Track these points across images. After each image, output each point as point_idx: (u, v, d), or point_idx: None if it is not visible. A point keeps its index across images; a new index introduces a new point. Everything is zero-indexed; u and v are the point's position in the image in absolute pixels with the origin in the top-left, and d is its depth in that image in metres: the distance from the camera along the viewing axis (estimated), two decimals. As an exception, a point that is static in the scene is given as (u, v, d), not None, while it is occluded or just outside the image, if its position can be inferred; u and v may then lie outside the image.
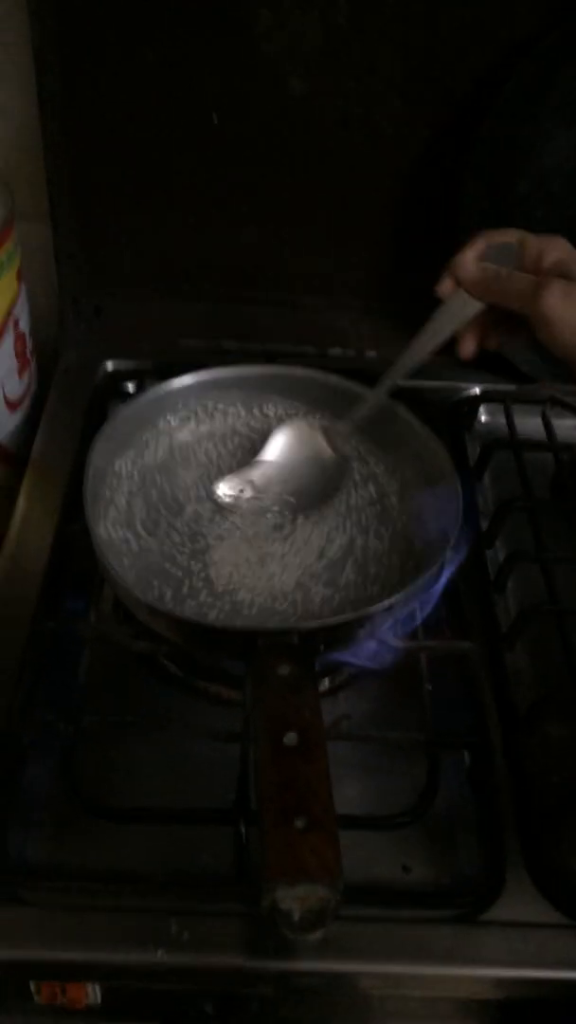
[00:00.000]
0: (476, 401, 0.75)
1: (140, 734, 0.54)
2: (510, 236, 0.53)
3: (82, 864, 0.49)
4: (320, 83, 0.69)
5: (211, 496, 0.60)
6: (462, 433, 0.74)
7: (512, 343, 0.56)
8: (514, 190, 0.70)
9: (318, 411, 0.66)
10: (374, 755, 0.55)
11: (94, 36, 0.67)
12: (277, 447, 0.62)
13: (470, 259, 0.53)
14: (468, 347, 0.56)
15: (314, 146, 0.72)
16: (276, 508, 0.60)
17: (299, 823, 0.37)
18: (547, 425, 0.72)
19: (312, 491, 0.61)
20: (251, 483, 0.61)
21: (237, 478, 0.61)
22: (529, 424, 0.73)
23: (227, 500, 0.60)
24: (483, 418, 0.77)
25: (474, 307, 0.54)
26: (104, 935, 0.46)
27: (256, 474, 0.61)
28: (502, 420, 0.73)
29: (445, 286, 0.54)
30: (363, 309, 0.81)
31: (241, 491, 0.60)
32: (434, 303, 0.77)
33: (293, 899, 0.35)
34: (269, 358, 0.74)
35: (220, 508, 0.60)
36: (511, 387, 0.76)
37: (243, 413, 0.67)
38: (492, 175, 0.70)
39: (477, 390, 0.77)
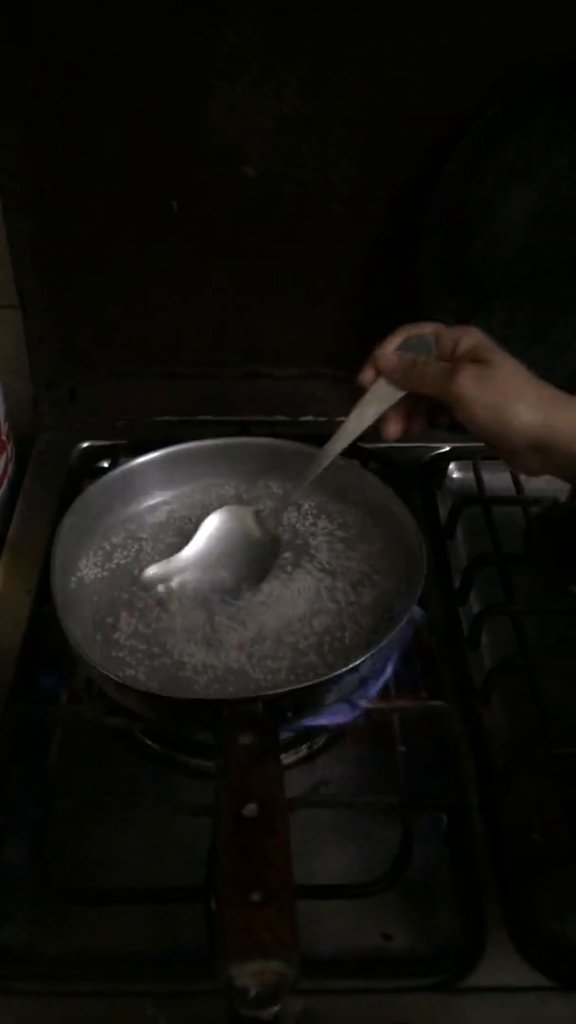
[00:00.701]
0: (446, 459, 0.76)
1: (115, 812, 0.54)
2: (427, 328, 0.56)
3: (57, 948, 0.49)
4: (275, 163, 0.71)
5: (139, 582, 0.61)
6: (433, 491, 0.75)
7: (436, 425, 0.58)
8: (470, 250, 0.72)
9: (276, 480, 0.67)
10: (354, 819, 0.55)
11: (57, 132, 0.70)
12: (206, 532, 0.62)
13: (390, 350, 0.56)
14: (392, 429, 0.58)
15: (274, 223, 0.74)
16: (210, 589, 0.60)
17: (255, 896, 0.37)
18: (515, 480, 0.72)
19: (243, 573, 0.61)
20: (180, 570, 0.61)
21: (165, 566, 0.61)
22: (499, 479, 0.73)
23: (157, 588, 0.60)
24: (454, 475, 0.77)
25: (395, 394, 0.56)
26: (80, 1022, 0.45)
27: (184, 560, 0.61)
28: (472, 476, 0.74)
29: (367, 375, 0.57)
30: (332, 376, 0.83)
31: (169, 580, 0.61)
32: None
33: (248, 975, 0.35)
34: (243, 429, 0.75)
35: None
36: (479, 444, 0.76)
37: (217, 491, 0.68)
38: (448, 237, 0.72)
39: (447, 448, 0.78)
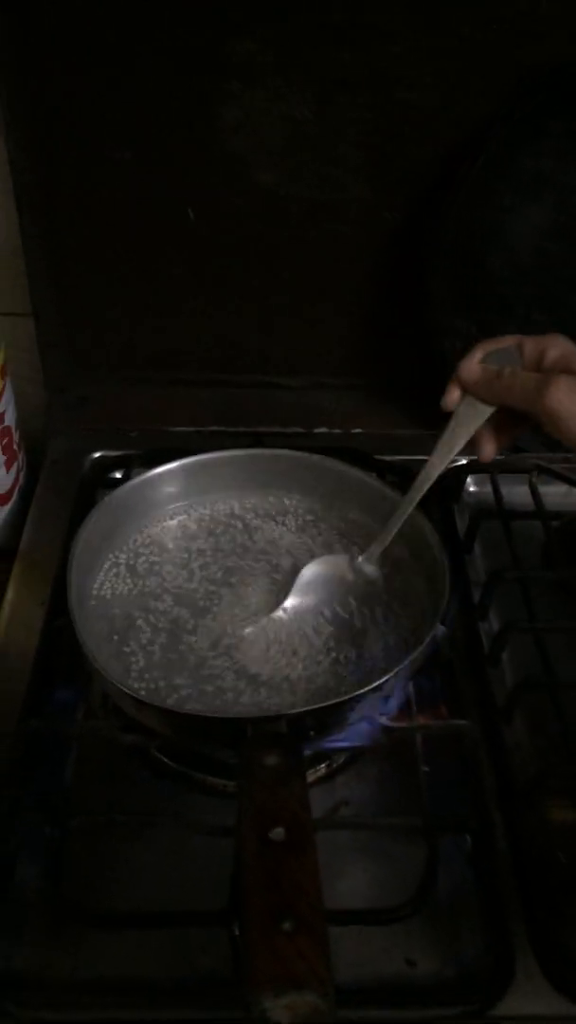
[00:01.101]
0: (463, 472, 0.75)
1: (132, 831, 0.53)
2: (508, 341, 0.53)
3: (73, 973, 0.47)
4: (287, 174, 0.70)
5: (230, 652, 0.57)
6: (450, 505, 0.74)
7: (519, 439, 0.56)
8: (483, 266, 0.71)
9: (302, 493, 0.67)
10: (375, 840, 0.53)
11: (70, 136, 0.69)
12: (301, 584, 0.59)
13: (473, 363, 0.53)
14: (488, 450, 0.54)
15: (287, 233, 0.74)
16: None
17: (286, 925, 0.36)
18: (534, 493, 0.71)
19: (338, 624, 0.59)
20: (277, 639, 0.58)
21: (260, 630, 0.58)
22: (516, 493, 0.73)
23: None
24: (471, 488, 0.76)
25: (484, 411, 0.53)
26: (96, 1051, 0.44)
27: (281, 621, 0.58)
28: (489, 490, 0.73)
29: (451, 396, 0.54)
30: (345, 387, 0.82)
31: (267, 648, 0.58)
32: (414, 378, 0.79)
33: (282, 1008, 0.34)
34: (256, 440, 0.74)
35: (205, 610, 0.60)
36: (497, 457, 0.76)
37: (232, 503, 0.67)
38: (461, 253, 0.71)
39: (464, 461, 0.77)
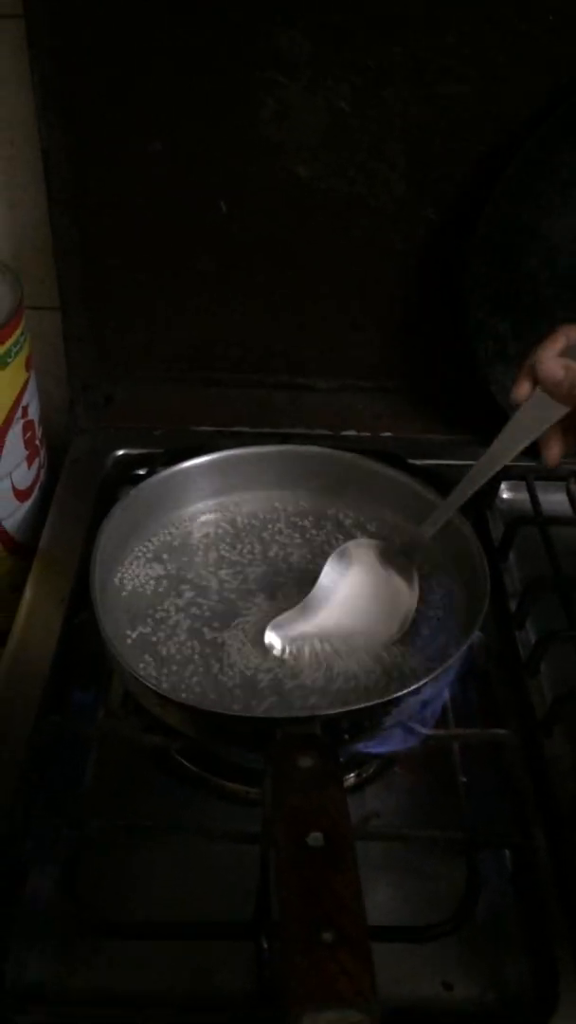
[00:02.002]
0: (496, 478, 0.73)
1: (151, 838, 0.50)
2: None
3: (88, 985, 0.45)
4: (325, 168, 0.69)
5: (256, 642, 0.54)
6: (483, 511, 0.72)
7: None
8: (521, 267, 0.70)
9: (333, 491, 0.64)
10: (406, 855, 0.51)
11: (102, 128, 0.68)
12: (333, 577, 0.56)
13: (551, 357, 0.47)
14: (554, 452, 0.50)
15: (321, 229, 0.72)
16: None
17: (327, 937, 0.33)
18: (572, 500, 0.69)
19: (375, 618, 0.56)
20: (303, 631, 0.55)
21: (284, 629, 0.54)
22: (553, 500, 0.70)
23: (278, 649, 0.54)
24: (504, 495, 0.74)
25: (558, 410, 0.48)
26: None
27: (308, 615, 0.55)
28: (523, 496, 0.71)
29: (522, 389, 0.49)
30: (375, 389, 0.80)
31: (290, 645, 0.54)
32: (446, 381, 0.77)
33: (323, 1026, 0.31)
34: (283, 441, 0.72)
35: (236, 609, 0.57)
36: (532, 463, 0.73)
37: (261, 500, 0.65)
38: (499, 252, 0.70)
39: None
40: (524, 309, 0.71)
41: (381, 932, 0.45)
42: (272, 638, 0.54)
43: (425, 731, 0.51)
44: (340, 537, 0.62)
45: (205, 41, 0.64)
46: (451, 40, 0.62)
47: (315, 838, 0.37)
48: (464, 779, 0.52)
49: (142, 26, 0.64)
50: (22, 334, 0.67)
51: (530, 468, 0.72)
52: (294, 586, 0.58)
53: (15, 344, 0.66)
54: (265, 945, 0.43)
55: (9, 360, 0.65)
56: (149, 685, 0.47)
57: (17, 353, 0.66)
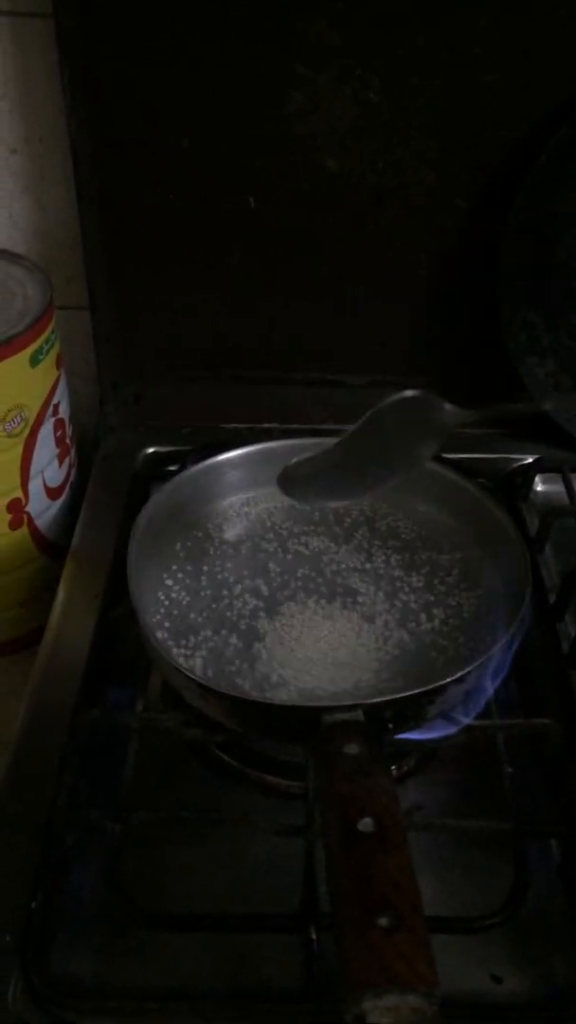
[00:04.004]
0: (531, 470, 0.72)
1: (194, 832, 0.50)
2: None
3: (133, 979, 0.44)
4: (354, 160, 0.68)
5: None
6: (518, 503, 0.71)
7: None
8: (554, 257, 0.69)
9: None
10: (448, 848, 0.50)
11: (130, 126, 0.68)
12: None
13: None
14: None
15: (350, 223, 0.71)
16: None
17: (383, 921, 0.33)
18: (610, 492, 0.68)
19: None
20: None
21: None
22: (588, 493, 0.69)
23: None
24: (538, 488, 0.73)
25: None
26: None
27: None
28: (558, 488, 0.70)
29: None
30: (406, 384, 0.78)
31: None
32: (477, 374, 0.76)
33: (382, 1011, 0.30)
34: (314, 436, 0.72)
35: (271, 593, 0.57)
36: (569, 454, 0.73)
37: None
38: (531, 243, 0.69)
39: (530, 459, 0.74)
40: (557, 300, 0.70)
41: (430, 923, 0.44)
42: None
43: (467, 721, 0.50)
44: (371, 531, 0.62)
45: (231, 35, 0.64)
46: (481, 27, 0.62)
47: (366, 823, 0.37)
48: (510, 770, 0.51)
49: (169, 23, 0.64)
50: (52, 332, 0.67)
51: (566, 459, 0.72)
52: (326, 580, 0.58)
53: (46, 342, 0.66)
54: (314, 936, 0.42)
55: (40, 358, 0.65)
56: (189, 675, 0.47)
57: (48, 351, 0.66)
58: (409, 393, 0.51)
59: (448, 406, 0.52)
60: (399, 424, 0.51)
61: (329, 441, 0.53)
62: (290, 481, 0.53)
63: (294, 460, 0.53)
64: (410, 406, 0.51)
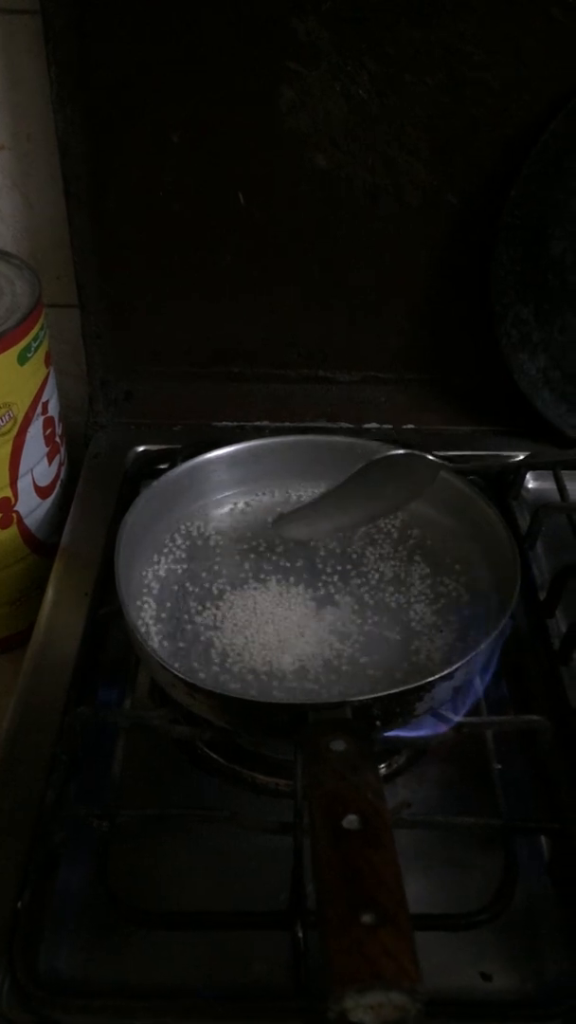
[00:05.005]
0: (522, 467, 0.72)
1: (182, 829, 0.49)
2: None
3: (121, 978, 0.44)
4: (345, 157, 0.68)
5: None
6: (508, 500, 0.71)
7: None
8: (547, 253, 0.69)
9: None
10: (437, 846, 0.50)
11: (119, 122, 0.68)
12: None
13: None
14: None
15: (342, 220, 0.71)
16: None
17: (367, 918, 0.32)
18: (599, 488, 0.68)
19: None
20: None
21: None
22: (577, 490, 0.69)
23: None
24: (530, 485, 0.73)
25: None
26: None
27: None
28: (550, 486, 0.70)
29: None
30: (397, 380, 0.79)
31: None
32: (469, 371, 0.76)
33: (365, 1008, 0.30)
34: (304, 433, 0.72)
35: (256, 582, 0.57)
36: (560, 451, 0.73)
37: (279, 494, 0.65)
38: (523, 239, 0.69)
39: (520, 456, 0.74)
40: (548, 296, 0.70)
41: (418, 920, 0.44)
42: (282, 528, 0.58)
43: (457, 718, 0.50)
44: (365, 527, 0.62)
45: (222, 32, 0.64)
46: (472, 24, 0.62)
47: (351, 821, 0.36)
48: (499, 766, 0.50)
49: (158, 18, 0.64)
50: (41, 330, 0.67)
51: (558, 458, 0.71)
52: (315, 576, 0.58)
53: (35, 340, 0.65)
54: (301, 934, 0.42)
55: (29, 356, 0.65)
56: (177, 674, 0.47)
57: (37, 349, 0.66)
58: (396, 451, 0.58)
59: (430, 459, 0.58)
60: (385, 477, 0.57)
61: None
62: (284, 525, 0.59)
63: (288, 511, 0.59)
64: (396, 462, 0.57)
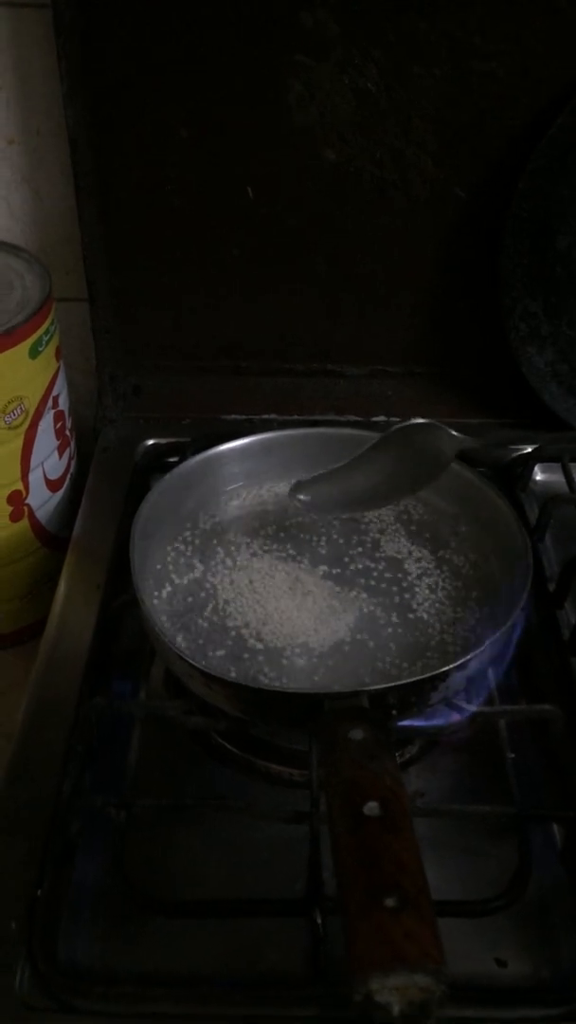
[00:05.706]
0: (531, 459, 0.72)
1: (197, 818, 0.50)
2: None
3: (138, 965, 0.44)
4: (353, 151, 0.68)
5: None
6: (518, 492, 0.71)
7: None
8: (554, 246, 0.69)
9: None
10: (452, 834, 0.50)
11: (128, 117, 0.68)
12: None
13: None
14: None
15: (350, 214, 0.71)
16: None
17: (389, 902, 0.33)
18: (609, 480, 0.68)
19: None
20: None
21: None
22: (588, 482, 0.69)
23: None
24: (538, 477, 0.73)
25: None
26: (165, 1048, 0.41)
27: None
28: (558, 477, 0.70)
29: None
30: (405, 374, 0.79)
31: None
32: (477, 364, 0.76)
33: (390, 991, 0.30)
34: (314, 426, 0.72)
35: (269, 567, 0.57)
36: (568, 443, 0.73)
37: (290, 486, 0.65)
38: (531, 231, 0.69)
39: (529, 448, 0.74)
40: (556, 289, 0.70)
41: (437, 906, 0.45)
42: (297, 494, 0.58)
43: (471, 708, 0.50)
44: (373, 520, 0.62)
45: (230, 25, 0.64)
46: (479, 15, 0.62)
47: (371, 807, 0.37)
48: (512, 755, 0.51)
49: (167, 13, 0.64)
50: (52, 324, 0.67)
51: (566, 449, 0.72)
52: (328, 567, 0.58)
53: (45, 333, 0.66)
54: (319, 921, 0.42)
55: (40, 350, 0.65)
56: (193, 663, 0.47)
57: (47, 343, 0.66)
58: (417, 421, 0.57)
59: (452, 433, 0.57)
60: (406, 448, 0.57)
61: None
62: (301, 491, 0.58)
63: (307, 479, 0.58)
64: (417, 432, 0.57)
